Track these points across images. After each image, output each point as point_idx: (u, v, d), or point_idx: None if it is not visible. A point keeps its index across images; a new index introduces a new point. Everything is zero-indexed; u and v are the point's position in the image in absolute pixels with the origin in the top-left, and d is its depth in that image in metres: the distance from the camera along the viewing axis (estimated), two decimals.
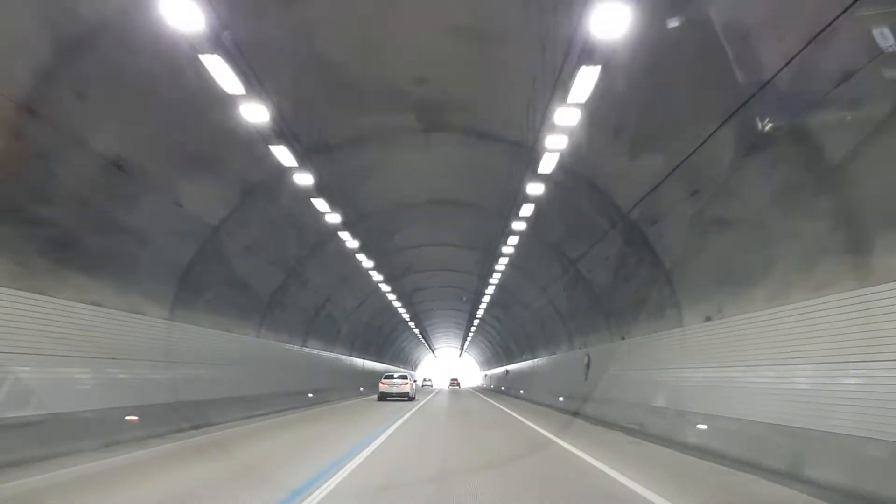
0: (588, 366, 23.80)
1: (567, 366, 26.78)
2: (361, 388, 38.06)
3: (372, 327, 40.85)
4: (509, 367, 51.69)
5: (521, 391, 38.13)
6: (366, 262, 22.92)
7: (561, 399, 25.49)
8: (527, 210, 15.53)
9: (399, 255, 27.33)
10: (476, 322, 46.74)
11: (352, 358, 38.34)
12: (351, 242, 19.68)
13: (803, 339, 9.28)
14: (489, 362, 70.12)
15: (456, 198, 19.86)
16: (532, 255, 22.76)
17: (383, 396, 30.95)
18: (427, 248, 27.13)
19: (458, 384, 78.17)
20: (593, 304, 21.41)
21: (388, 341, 51.34)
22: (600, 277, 19.45)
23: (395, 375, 33.81)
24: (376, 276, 26.04)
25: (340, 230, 18.04)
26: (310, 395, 25.16)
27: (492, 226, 20.89)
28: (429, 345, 76.12)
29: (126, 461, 9.27)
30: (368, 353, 44.37)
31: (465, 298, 41.67)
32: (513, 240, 19.03)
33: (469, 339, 63.27)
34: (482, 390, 62.41)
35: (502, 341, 49.97)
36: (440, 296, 41.44)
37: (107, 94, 9.26)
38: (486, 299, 34.38)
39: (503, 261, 22.74)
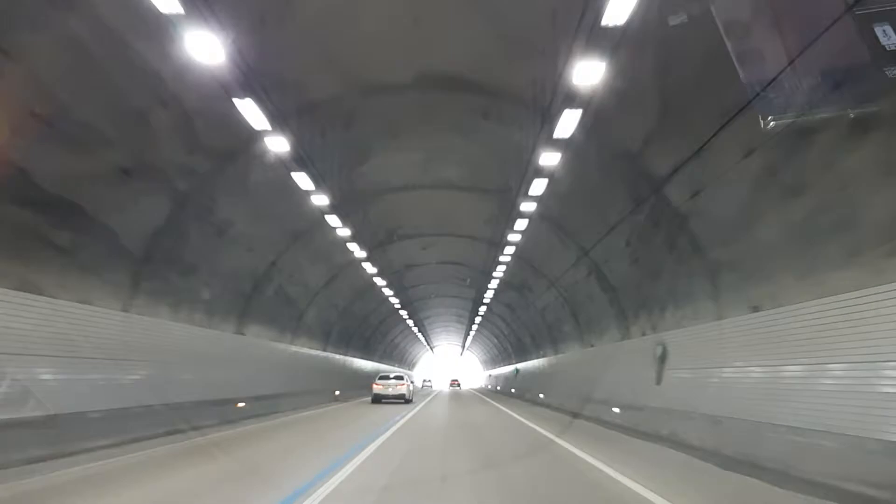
0: (662, 361, 15.29)
1: (620, 362, 18.26)
2: (337, 392, 29.49)
3: (353, 315, 32.30)
4: (520, 366, 43.23)
5: (541, 395, 29.55)
6: (316, 196, 14.28)
7: (616, 410, 16.94)
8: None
9: (376, 204, 18.73)
10: (482, 311, 38.11)
11: (325, 353, 29.79)
12: (276, 142, 11.08)
13: None
14: (494, 361, 61.63)
15: (462, 69, 11.30)
16: (581, 189, 14.27)
17: (377, 399, 28.02)
18: (417, 193, 18.53)
19: (459, 385, 73.43)
20: (682, 260, 12.92)
21: (378, 335, 42.74)
22: (717, 203, 10.88)
23: (391, 376, 30.55)
24: (340, 230, 17.39)
25: (239, 97, 9.39)
26: (240, 404, 16.59)
27: (520, 131, 12.42)
28: (427, 341, 67.69)
29: None
30: (351, 349, 35.82)
31: (468, 280, 33.18)
32: (564, 128, 10.32)
33: (472, 333, 54.70)
34: (487, 392, 53.80)
35: (513, 335, 41.41)
36: (438, 276, 32.87)
37: None
38: (498, 271, 25.71)
39: (535, 193, 14.04)
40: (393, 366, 55.62)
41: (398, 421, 17.53)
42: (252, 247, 16.18)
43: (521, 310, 32.96)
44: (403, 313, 39.51)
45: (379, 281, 26.82)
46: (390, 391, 28.41)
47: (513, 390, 42.10)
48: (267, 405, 18.60)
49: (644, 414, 15.04)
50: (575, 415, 19.61)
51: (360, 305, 31.84)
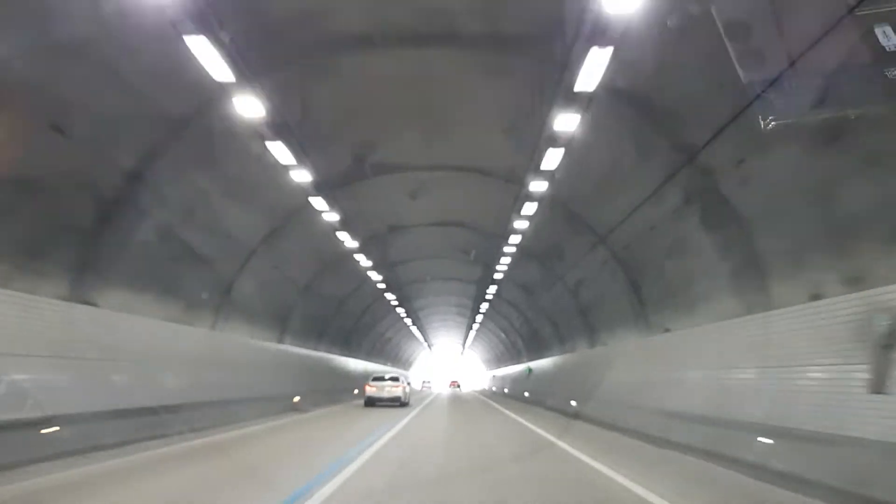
0: (892, 347, 7.29)
1: (749, 353, 10.21)
2: (297, 399, 21.41)
3: (324, 296, 24.27)
4: (533, 365, 35.33)
5: (573, 402, 21.48)
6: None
7: (766, 441, 8.83)
8: None
9: (317, 71, 10.58)
10: (490, 293, 29.99)
11: (282, 346, 21.78)
12: None
13: None
14: (499, 359, 53.71)
15: None
16: None
17: (371, 402, 25.53)
18: (387, 55, 10.39)
19: (459, 386, 70.31)
20: None
21: (361, 326, 34.67)
22: None
23: (386, 377, 27.47)
24: (242, 98, 9.31)
25: None
26: (47, 430, 8.53)
27: None
28: (424, 338, 59.78)
29: None
30: (324, 342, 27.80)
31: (473, 253, 25.23)
32: None
33: (475, 327, 46.75)
34: (492, 396, 45.71)
35: (526, 326, 33.42)
36: (433, 245, 24.79)
37: None
38: (518, 227, 17.61)
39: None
40: (385, 365, 48.16)
41: (357, 459, 9.51)
42: (56, 118, 8.10)
43: (541, 290, 24.93)
44: (391, 298, 31.47)
45: (347, 240, 18.77)
46: (385, 394, 25.68)
47: (526, 394, 34.03)
48: (132, 427, 10.51)
49: (864, 456, 7.02)
50: (658, 442, 11.56)
51: (333, 284, 23.85)
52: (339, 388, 30.45)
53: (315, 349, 26.67)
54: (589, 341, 21.55)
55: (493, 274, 25.85)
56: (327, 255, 20.60)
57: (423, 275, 31.22)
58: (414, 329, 48.48)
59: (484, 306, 33.98)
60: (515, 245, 20.06)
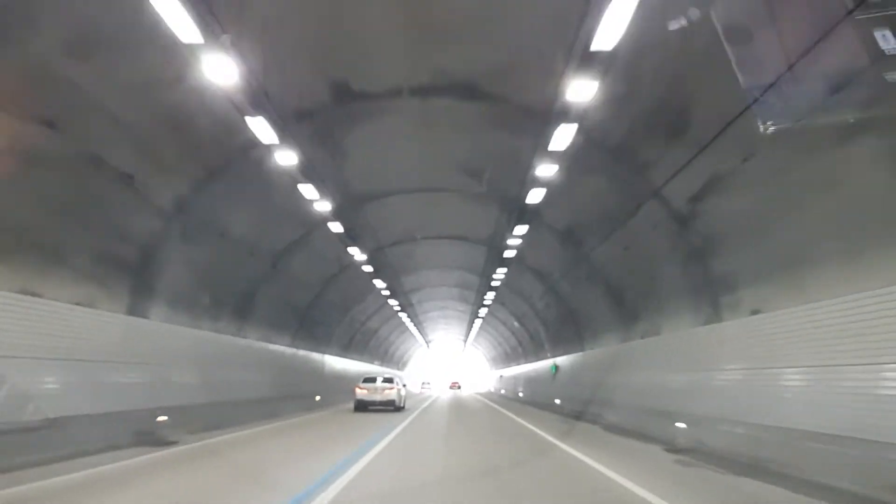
0: None
1: None
2: (162, 418, 11.14)
3: (231, 240, 14.13)
4: (562, 361, 25.38)
5: (680, 424, 11.26)
6: None
7: None
8: None
9: None
10: (511, 246, 19.56)
11: (126, 319, 11.50)
12: None
13: None
14: (509, 357, 43.82)
15: None
16: None
17: (362, 405, 21.97)
18: None
19: (460, 387, 65.42)
20: None
21: (326, 308, 24.40)
22: None
23: (379, 378, 23.37)
24: None
25: None
26: None
27: None
28: (420, 332, 49.89)
29: None
30: (251, 324, 17.63)
31: (487, 175, 15.15)
32: None
33: (482, 313, 36.53)
34: (502, 400, 35.29)
35: (557, 305, 23.24)
36: (418, 159, 14.56)
37: None
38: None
39: None
40: (373, 364, 39.24)
41: None
42: None
43: (600, 232, 14.80)
44: (360, 261, 21.25)
45: (235, 97, 8.54)
46: (377, 397, 22.41)
47: (557, 401, 23.78)
48: None
49: None
50: None
51: (249, 211, 13.76)
52: (287, 395, 20.37)
53: (237, 333, 16.55)
54: (710, 311, 11.42)
55: (518, 215, 15.81)
56: (209, 123, 10.46)
57: (410, 230, 21.12)
58: (403, 316, 38.35)
59: (501, 272, 23.72)
60: (578, 122, 9.99)
